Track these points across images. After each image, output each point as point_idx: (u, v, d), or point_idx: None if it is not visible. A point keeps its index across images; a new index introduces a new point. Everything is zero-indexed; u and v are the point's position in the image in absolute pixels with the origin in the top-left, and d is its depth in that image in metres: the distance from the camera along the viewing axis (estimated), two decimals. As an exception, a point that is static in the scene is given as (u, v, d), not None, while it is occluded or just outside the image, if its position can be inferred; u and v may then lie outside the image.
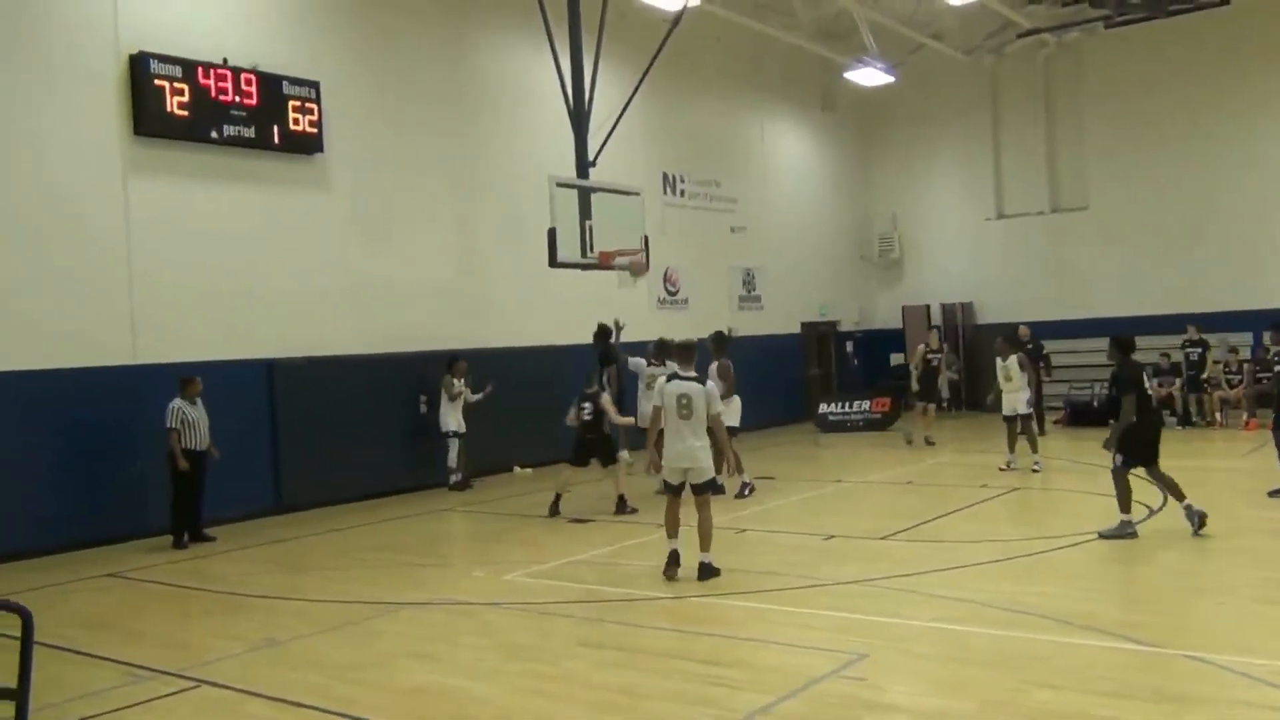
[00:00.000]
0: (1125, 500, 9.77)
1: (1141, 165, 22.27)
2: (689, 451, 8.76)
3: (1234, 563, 8.83)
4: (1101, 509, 10.38)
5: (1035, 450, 14.53)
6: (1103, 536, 9.65)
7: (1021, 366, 14.68)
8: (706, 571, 8.74)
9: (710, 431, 8.86)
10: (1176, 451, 16.32)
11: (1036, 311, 22.28)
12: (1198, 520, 9.60)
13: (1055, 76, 23.58)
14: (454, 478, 15.08)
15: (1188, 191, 21.74)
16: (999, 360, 14.81)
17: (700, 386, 8.85)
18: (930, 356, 18.06)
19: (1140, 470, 9.93)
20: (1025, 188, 24.03)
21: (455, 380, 14.98)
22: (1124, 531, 9.65)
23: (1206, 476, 14.40)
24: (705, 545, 8.81)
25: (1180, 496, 9.77)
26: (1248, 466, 14.60)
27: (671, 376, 9.07)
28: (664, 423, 8.93)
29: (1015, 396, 14.63)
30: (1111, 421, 10.12)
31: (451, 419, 14.99)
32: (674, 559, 8.87)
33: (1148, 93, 22.15)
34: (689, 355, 9.24)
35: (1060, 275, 23.29)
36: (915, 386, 18.19)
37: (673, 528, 8.91)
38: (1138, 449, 9.83)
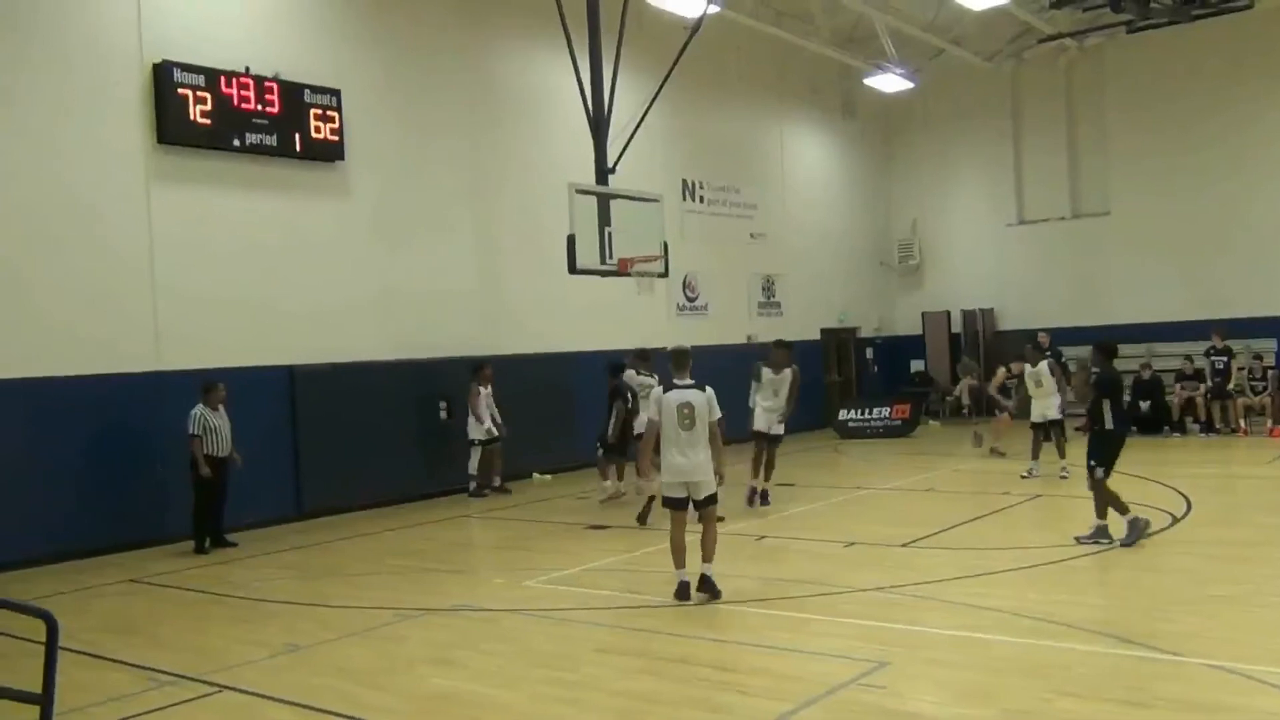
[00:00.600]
0: (1118, 504, 9.73)
1: (1164, 170, 22.11)
2: (691, 464, 8.22)
3: (1258, 571, 8.73)
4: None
5: (1063, 456, 14.44)
6: (1124, 545, 9.57)
7: (1051, 372, 14.61)
8: (708, 585, 8.24)
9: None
10: (1201, 459, 16.31)
11: (1058, 317, 22.15)
12: (1102, 540, 9.65)
13: (1077, 82, 23.46)
14: (473, 484, 15.11)
15: (1210, 196, 21.57)
16: (1028, 367, 14.75)
17: (701, 393, 8.32)
18: (1007, 382, 17.98)
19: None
20: (1046, 193, 23.91)
21: (481, 388, 14.97)
22: (1138, 530, 9.59)
23: (1231, 484, 14.34)
24: (709, 556, 8.32)
25: (1104, 514, 9.77)
26: (1273, 474, 14.48)
27: (669, 387, 8.47)
28: (662, 434, 8.34)
29: (1047, 402, 14.55)
30: (1093, 429, 10.06)
31: (478, 427, 15.01)
32: (684, 590, 8.24)
33: (1170, 97, 22.00)
34: (684, 361, 8.56)
35: (1082, 281, 23.14)
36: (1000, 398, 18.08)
37: (680, 556, 8.33)
38: (1108, 456, 9.78)
